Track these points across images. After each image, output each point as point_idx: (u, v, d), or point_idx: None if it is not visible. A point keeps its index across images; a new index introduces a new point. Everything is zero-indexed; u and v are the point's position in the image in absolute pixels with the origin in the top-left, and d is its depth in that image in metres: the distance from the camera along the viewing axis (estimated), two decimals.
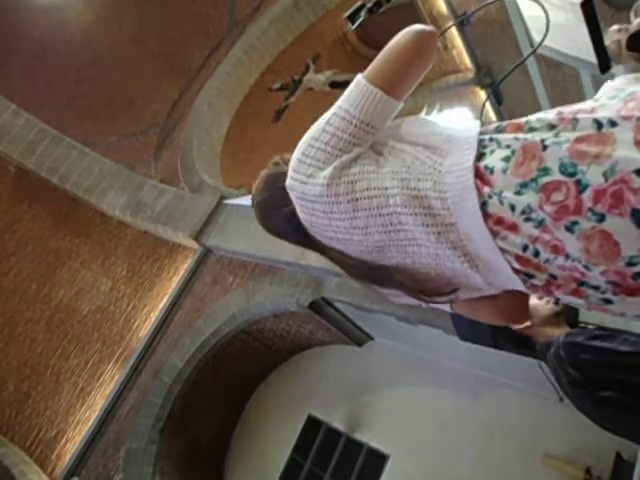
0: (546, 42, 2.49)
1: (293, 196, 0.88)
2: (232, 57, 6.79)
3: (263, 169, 1.03)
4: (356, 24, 1.40)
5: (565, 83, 6.15)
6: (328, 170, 0.82)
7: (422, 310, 3.56)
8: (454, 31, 7.53)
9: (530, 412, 4.52)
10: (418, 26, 0.84)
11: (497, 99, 7.80)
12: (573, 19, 2.10)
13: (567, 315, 1.43)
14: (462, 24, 6.94)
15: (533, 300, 1.42)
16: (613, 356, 1.20)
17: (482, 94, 8.18)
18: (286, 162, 0.93)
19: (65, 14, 5.98)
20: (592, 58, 2.16)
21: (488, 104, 8.23)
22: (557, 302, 1.42)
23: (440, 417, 5.01)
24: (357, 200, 0.81)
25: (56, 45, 6.02)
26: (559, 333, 1.34)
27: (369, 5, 1.38)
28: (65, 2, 5.96)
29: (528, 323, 1.39)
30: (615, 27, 2.59)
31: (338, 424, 5.67)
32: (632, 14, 2.80)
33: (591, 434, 3.63)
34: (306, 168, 0.84)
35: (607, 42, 2.41)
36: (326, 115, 0.86)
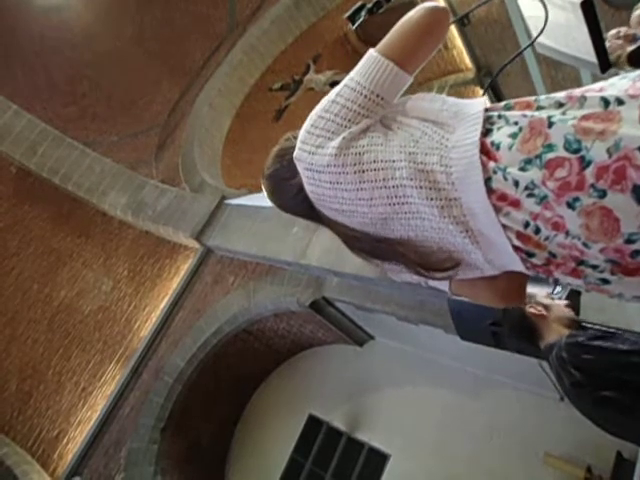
0: (546, 42, 2.49)
1: (300, 167, 0.89)
2: (232, 57, 6.80)
3: (275, 146, 1.04)
4: (356, 24, 1.40)
5: (566, 83, 6.15)
6: (337, 140, 0.82)
7: (423, 310, 3.57)
8: (454, 31, 7.53)
9: (531, 411, 4.52)
10: (431, 3, 0.85)
11: (497, 99, 7.80)
12: (573, 19, 2.10)
13: (578, 324, 1.43)
14: (462, 24, 6.95)
15: (555, 301, 1.44)
16: (614, 355, 1.21)
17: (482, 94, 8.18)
18: (297, 138, 0.94)
19: (66, 15, 6.00)
20: (592, 58, 2.17)
21: (488, 103, 8.22)
22: (574, 310, 1.44)
23: (441, 416, 5.01)
24: (364, 172, 0.81)
25: (57, 46, 6.03)
26: (564, 334, 1.35)
27: (369, 5, 1.39)
28: (66, 3, 5.97)
29: (543, 312, 1.41)
30: (614, 31, 2.60)
31: (339, 424, 5.67)
32: (633, 14, 2.80)
33: (592, 433, 3.62)
34: (315, 139, 0.85)
35: (608, 44, 2.42)
36: (337, 88, 0.86)
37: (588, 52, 2.14)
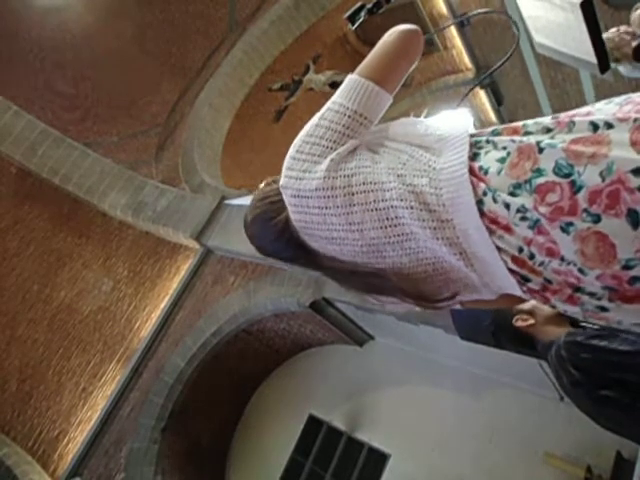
0: (546, 42, 2.50)
1: (287, 195, 0.87)
2: (232, 58, 6.80)
3: (259, 186, 1.03)
4: (356, 24, 1.41)
5: (565, 83, 6.16)
6: (325, 163, 0.82)
7: (422, 310, 3.57)
8: (454, 31, 7.53)
9: (531, 411, 4.52)
10: (402, 26, 0.88)
11: (497, 100, 7.81)
12: (572, 19, 2.10)
13: (569, 319, 1.43)
14: (461, 24, 6.96)
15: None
16: (613, 355, 1.20)
17: (482, 94, 8.19)
18: (276, 182, 0.94)
19: (66, 15, 6.00)
20: (592, 58, 2.17)
21: (489, 106, 8.24)
22: None
23: (441, 416, 5.01)
24: (353, 194, 0.80)
25: (57, 46, 6.04)
26: (561, 332, 1.35)
27: (369, 6, 1.39)
28: (66, 3, 5.97)
29: (531, 321, 1.39)
30: (614, 29, 2.60)
31: (339, 424, 5.67)
32: (632, 14, 2.81)
33: (592, 433, 3.63)
34: (301, 164, 0.85)
35: (616, 38, 2.43)
36: (319, 112, 0.87)
37: (587, 52, 2.14)
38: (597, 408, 1.23)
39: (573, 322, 1.41)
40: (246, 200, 4.98)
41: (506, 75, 7.22)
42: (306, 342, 6.13)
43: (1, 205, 5.36)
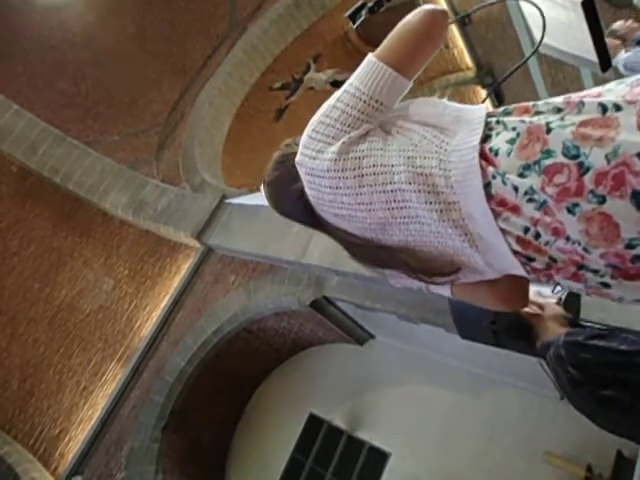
0: (547, 40, 2.49)
1: (302, 172, 0.89)
2: (233, 57, 6.80)
3: (275, 152, 1.04)
4: (357, 23, 1.41)
5: (566, 82, 6.15)
6: (336, 145, 0.83)
7: (423, 309, 3.57)
8: (455, 30, 7.52)
9: (531, 410, 4.53)
10: (429, 5, 0.85)
11: (498, 98, 7.80)
12: (574, 17, 2.10)
13: (572, 322, 1.43)
14: (463, 23, 6.95)
15: (547, 299, 1.43)
16: (613, 355, 1.20)
17: (483, 93, 8.18)
18: (297, 144, 0.95)
19: (66, 14, 6.00)
20: (593, 56, 2.16)
21: (490, 105, 8.23)
22: (565, 305, 1.43)
23: (441, 415, 5.02)
24: (363, 176, 0.82)
25: (57, 45, 6.03)
26: (561, 332, 1.35)
27: (370, 4, 1.39)
28: (66, 2, 5.97)
29: (538, 311, 1.40)
30: (620, 22, 2.60)
31: (339, 422, 5.68)
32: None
33: (592, 432, 3.62)
34: (316, 144, 0.86)
35: (608, 41, 2.42)
36: (337, 93, 0.87)
37: (588, 51, 2.14)
38: (596, 408, 1.23)
39: (572, 323, 1.42)
40: (247, 199, 4.98)
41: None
42: (307, 341, 6.13)
43: (2, 204, 5.36)
